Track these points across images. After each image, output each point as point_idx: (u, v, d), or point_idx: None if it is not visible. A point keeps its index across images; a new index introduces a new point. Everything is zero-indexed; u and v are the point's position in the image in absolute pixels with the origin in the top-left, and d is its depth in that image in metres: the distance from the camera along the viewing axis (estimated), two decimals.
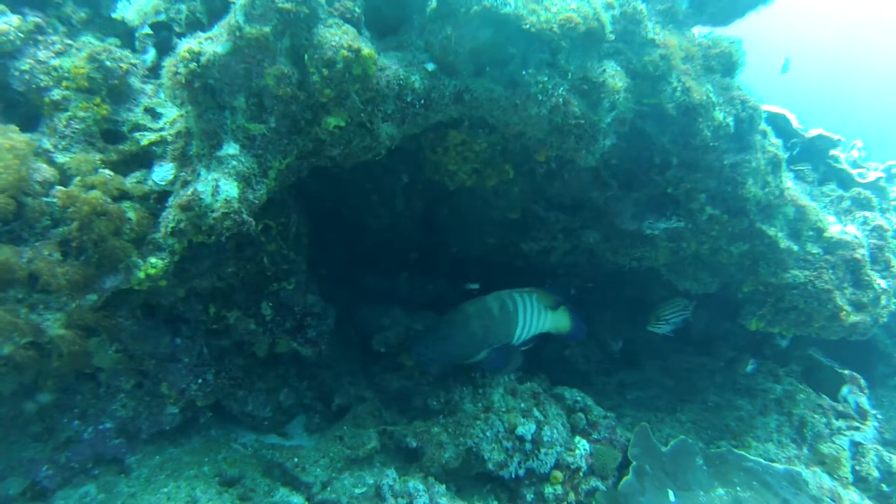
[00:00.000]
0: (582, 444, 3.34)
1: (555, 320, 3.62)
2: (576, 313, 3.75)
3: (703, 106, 2.67)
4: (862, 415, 4.31)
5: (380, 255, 4.71)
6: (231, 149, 2.00)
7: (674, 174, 3.14)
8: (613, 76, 2.18)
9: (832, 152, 4.51)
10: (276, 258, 2.94)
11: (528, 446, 3.13)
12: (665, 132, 2.90)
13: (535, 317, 3.48)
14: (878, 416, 4.51)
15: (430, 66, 2.12)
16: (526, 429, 3.13)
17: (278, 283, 2.97)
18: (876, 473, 4.04)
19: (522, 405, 3.25)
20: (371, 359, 3.82)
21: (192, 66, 1.87)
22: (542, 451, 3.14)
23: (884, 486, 4.08)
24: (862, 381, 4.41)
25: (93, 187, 2.15)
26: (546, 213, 3.75)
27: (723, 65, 2.65)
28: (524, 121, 2.23)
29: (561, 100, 2.13)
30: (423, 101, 2.16)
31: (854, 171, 4.60)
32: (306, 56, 1.96)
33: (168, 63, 1.94)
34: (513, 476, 3.12)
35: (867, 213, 3.85)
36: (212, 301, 2.93)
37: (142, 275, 2.23)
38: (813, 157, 4.45)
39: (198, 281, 2.78)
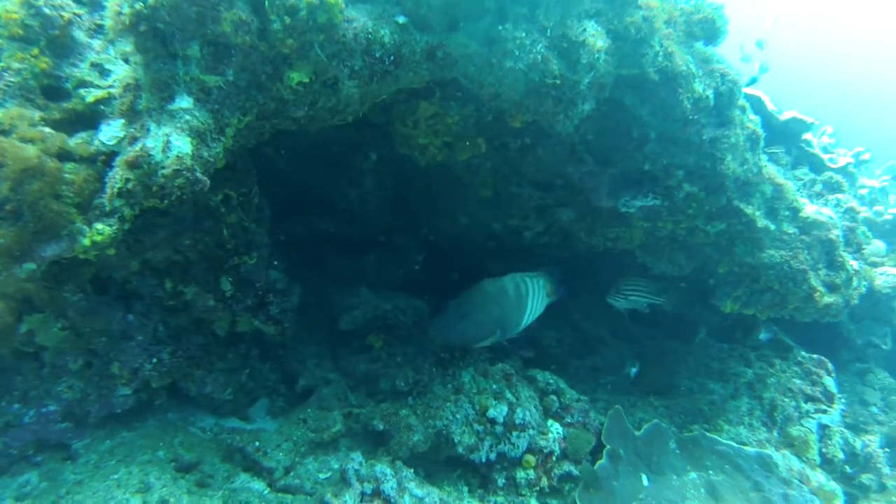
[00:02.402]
0: (555, 428, 3.26)
1: (544, 306, 3.49)
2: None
3: (683, 76, 2.58)
4: (829, 398, 4.32)
5: (349, 236, 4.56)
6: (184, 102, 1.84)
7: (652, 149, 3.06)
8: (594, 35, 2.07)
9: (805, 136, 4.50)
10: (236, 230, 2.78)
11: (499, 429, 3.03)
12: (645, 104, 2.80)
13: (539, 303, 3.34)
14: (843, 400, 4.54)
15: (401, 19, 1.98)
16: (497, 411, 3.03)
17: (239, 257, 2.81)
18: (841, 455, 4.07)
19: (494, 387, 3.15)
20: (338, 341, 3.68)
21: (138, 6, 1.69)
22: (515, 434, 3.04)
23: (847, 467, 4.11)
24: (829, 365, 4.43)
25: (30, 143, 1.97)
26: (519, 189, 3.64)
27: (705, 31, 2.56)
28: (500, 80, 2.10)
29: (539, 56, 2.00)
30: (392, 58, 2.02)
31: (825, 156, 4.62)
32: (266, 2, 1.81)
33: (111, 2, 1.76)
34: (483, 460, 3.01)
35: (840, 196, 3.83)
36: (168, 275, 2.75)
37: (87, 241, 2.05)
38: (786, 140, 4.43)
39: (152, 253, 2.60)
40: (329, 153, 4.00)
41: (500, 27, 2.00)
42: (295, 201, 4.25)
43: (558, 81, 2.05)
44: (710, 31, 2.56)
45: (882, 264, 5.25)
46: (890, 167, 8.64)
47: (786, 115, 4.35)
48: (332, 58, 1.92)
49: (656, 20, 2.22)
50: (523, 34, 1.99)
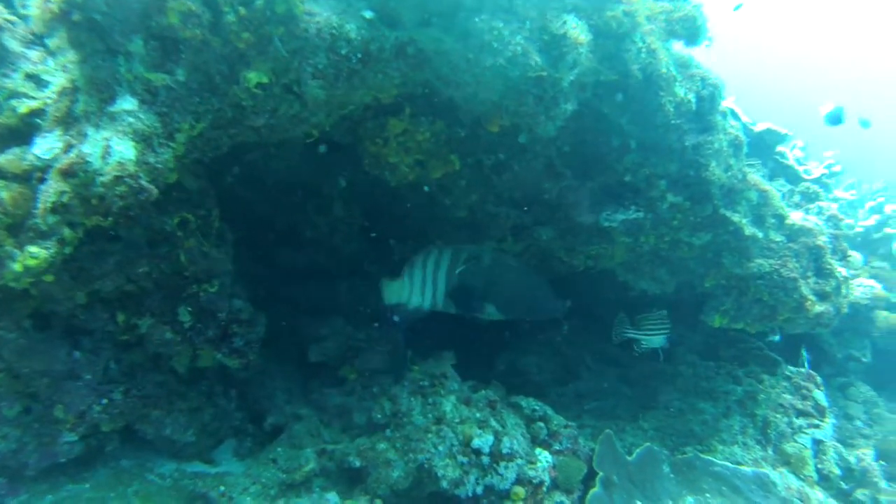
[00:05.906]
0: (544, 456, 3.05)
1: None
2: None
3: (665, 78, 2.48)
4: (820, 412, 4.21)
5: (318, 266, 4.36)
6: (127, 104, 1.64)
7: (632, 159, 2.95)
8: (576, 28, 1.95)
9: (779, 148, 4.48)
10: (195, 256, 2.55)
11: (485, 460, 2.81)
12: (625, 111, 2.69)
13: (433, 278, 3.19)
14: (834, 413, 4.44)
15: (368, 14, 1.83)
16: (483, 440, 2.82)
17: (198, 285, 2.58)
18: (837, 471, 3.95)
19: (478, 415, 2.94)
20: (309, 373, 3.45)
21: None
22: (502, 464, 2.83)
23: (842, 483, 3.99)
24: (818, 378, 4.33)
25: None
26: (496, 208, 3.50)
27: (686, 29, 2.47)
28: (477, 78, 1.96)
29: (519, 48, 1.87)
30: (360, 55, 1.86)
31: (800, 168, 4.60)
32: None
33: None
34: (470, 494, 2.78)
35: (822, 203, 3.78)
36: (120, 307, 2.51)
37: (18, 267, 1.82)
38: (761, 152, 4.40)
39: (101, 283, 2.36)
40: (295, 180, 3.82)
41: (477, 19, 1.86)
42: (259, 232, 4.05)
43: (543, 73, 1.91)
44: (690, 29, 2.47)
45: (859, 276, 5.24)
46: (850, 184, 8.82)
47: (760, 127, 4.33)
48: (293, 55, 1.76)
49: (638, 15, 2.12)
50: (501, 24, 1.86)
